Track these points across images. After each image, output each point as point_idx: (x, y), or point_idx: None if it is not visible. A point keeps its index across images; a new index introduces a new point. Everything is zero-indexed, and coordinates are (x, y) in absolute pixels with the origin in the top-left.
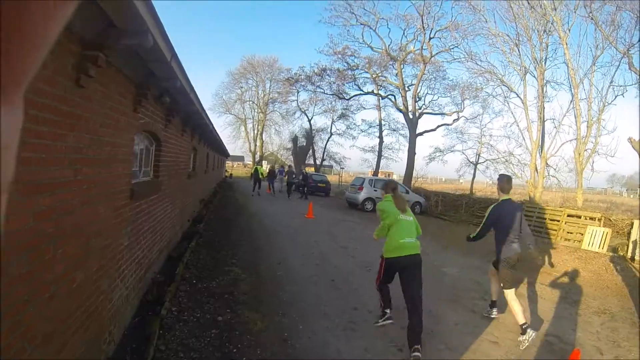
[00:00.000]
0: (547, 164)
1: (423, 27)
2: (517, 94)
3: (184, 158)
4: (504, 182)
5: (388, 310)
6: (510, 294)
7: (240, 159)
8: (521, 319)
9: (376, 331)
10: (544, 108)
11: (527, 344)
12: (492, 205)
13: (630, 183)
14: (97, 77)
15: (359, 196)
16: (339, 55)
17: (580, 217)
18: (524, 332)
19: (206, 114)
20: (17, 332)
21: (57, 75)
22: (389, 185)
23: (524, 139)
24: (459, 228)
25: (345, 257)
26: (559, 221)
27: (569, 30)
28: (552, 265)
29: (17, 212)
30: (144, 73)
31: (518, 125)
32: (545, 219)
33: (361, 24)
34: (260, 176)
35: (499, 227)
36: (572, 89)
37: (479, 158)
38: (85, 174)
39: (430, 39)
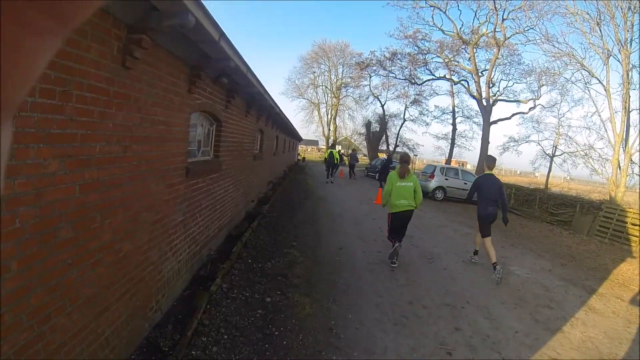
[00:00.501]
0: (631, 160)
1: (495, 8)
2: (598, 80)
3: (248, 139)
4: (491, 161)
5: (397, 243)
6: (487, 241)
7: (314, 143)
8: (493, 259)
9: (427, 330)
10: (629, 97)
11: (499, 276)
12: (478, 176)
13: None
14: (143, 58)
15: (430, 184)
16: (410, 39)
17: None
18: (494, 269)
19: (270, 96)
20: (58, 293)
21: (102, 59)
22: (402, 158)
23: (606, 131)
24: (531, 224)
25: (408, 246)
26: None
27: None
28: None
29: (63, 183)
30: (197, 54)
31: (600, 116)
32: (627, 223)
33: (431, 6)
34: (336, 161)
35: (479, 192)
36: None
37: (555, 150)
38: (135, 151)
39: (503, 20)
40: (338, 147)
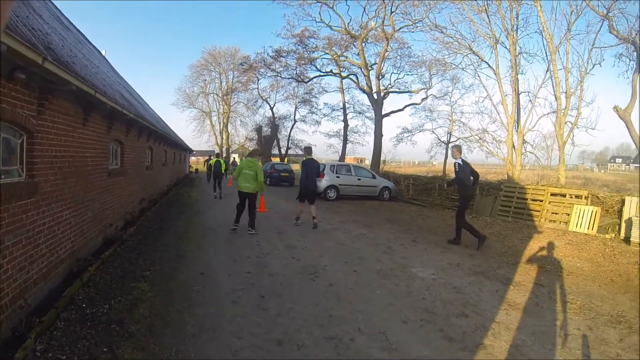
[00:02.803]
0: (524, 140)
1: (383, 1)
2: (488, 64)
3: (93, 153)
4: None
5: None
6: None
7: (209, 153)
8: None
9: None
10: (518, 80)
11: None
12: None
13: (601, 158)
14: None
15: (321, 184)
16: (298, 38)
17: (565, 195)
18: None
19: (109, 96)
20: None
21: None
22: (252, 152)
23: (498, 114)
24: (432, 213)
25: (288, 260)
26: (542, 201)
27: None
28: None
29: None
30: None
31: (491, 99)
32: (527, 199)
33: (318, 2)
34: (223, 171)
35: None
36: (550, 55)
37: (450, 137)
38: None
39: (392, 12)
40: (234, 156)
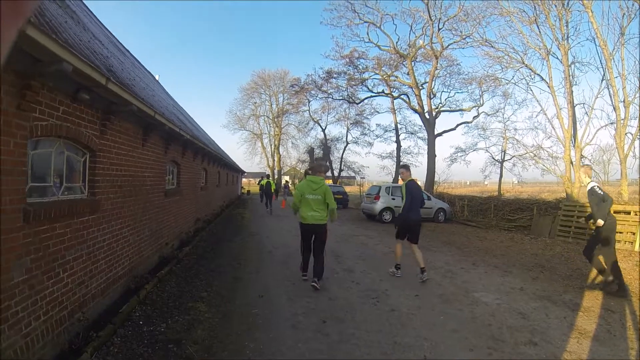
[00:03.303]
0: (582, 155)
1: (430, 19)
2: (541, 77)
3: (152, 173)
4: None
5: (306, 274)
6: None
7: (261, 175)
8: (421, 264)
9: None
10: (572, 92)
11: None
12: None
13: None
14: None
15: (376, 206)
16: (347, 59)
17: (629, 212)
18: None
19: (171, 122)
20: None
21: None
22: (315, 168)
23: (554, 129)
24: (489, 235)
25: (348, 284)
26: None
27: None
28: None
29: None
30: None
31: (545, 114)
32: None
33: (365, 22)
34: (272, 191)
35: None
36: (605, 63)
37: (504, 155)
38: None
39: (439, 29)
40: (285, 178)
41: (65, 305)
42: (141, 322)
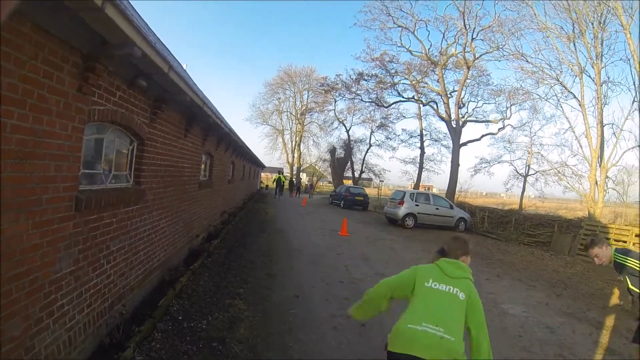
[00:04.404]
0: (607, 175)
1: (465, 27)
2: (573, 95)
3: (189, 164)
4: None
5: None
6: None
7: (279, 170)
8: None
9: None
10: (602, 111)
11: None
12: None
13: None
14: None
15: (400, 211)
16: (377, 62)
17: None
18: None
19: (213, 111)
20: None
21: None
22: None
23: (580, 147)
24: (510, 248)
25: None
26: (625, 242)
27: (632, 16)
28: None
29: None
30: (87, 34)
31: (574, 132)
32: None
33: (399, 27)
34: (283, 184)
35: None
36: (638, 84)
37: (528, 169)
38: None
39: (472, 39)
40: (303, 175)
41: (107, 297)
42: (180, 317)
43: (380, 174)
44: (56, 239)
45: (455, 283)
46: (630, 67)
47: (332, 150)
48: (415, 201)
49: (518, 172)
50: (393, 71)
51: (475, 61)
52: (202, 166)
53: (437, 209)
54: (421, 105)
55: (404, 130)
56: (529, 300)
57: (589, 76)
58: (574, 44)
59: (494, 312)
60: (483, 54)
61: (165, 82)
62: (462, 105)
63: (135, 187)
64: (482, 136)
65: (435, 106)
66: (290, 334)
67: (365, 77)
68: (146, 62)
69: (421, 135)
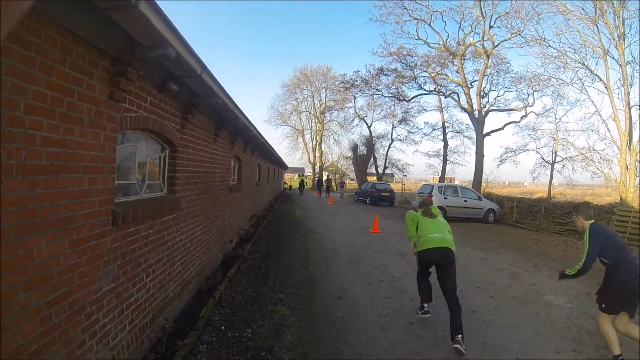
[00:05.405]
0: (637, 159)
1: (482, 15)
2: (599, 78)
3: (220, 169)
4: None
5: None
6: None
7: (300, 170)
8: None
9: None
10: (629, 93)
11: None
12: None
13: None
14: None
15: None
16: (395, 56)
17: None
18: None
19: (243, 113)
20: None
21: None
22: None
23: (608, 131)
24: (543, 238)
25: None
26: None
27: None
28: None
29: None
30: (121, 37)
31: (600, 115)
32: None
33: (415, 19)
34: (304, 184)
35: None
36: None
37: (555, 157)
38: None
39: (490, 27)
40: (325, 174)
41: (148, 311)
42: (223, 328)
43: (404, 168)
44: (94, 257)
45: (436, 216)
46: None
47: (354, 147)
48: (444, 194)
49: (545, 160)
50: (413, 64)
51: (495, 49)
52: (232, 170)
53: (465, 201)
54: (442, 97)
55: (426, 123)
56: (571, 290)
57: (613, 57)
58: (597, 26)
59: (539, 304)
60: (502, 41)
61: (197, 84)
62: (483, 94)
63: (170, 195)
64: (505, 125)
65: (456, 97)
66: (340, 337)
67: (385, 72)
68: (179, 64)
69: (443, 127)
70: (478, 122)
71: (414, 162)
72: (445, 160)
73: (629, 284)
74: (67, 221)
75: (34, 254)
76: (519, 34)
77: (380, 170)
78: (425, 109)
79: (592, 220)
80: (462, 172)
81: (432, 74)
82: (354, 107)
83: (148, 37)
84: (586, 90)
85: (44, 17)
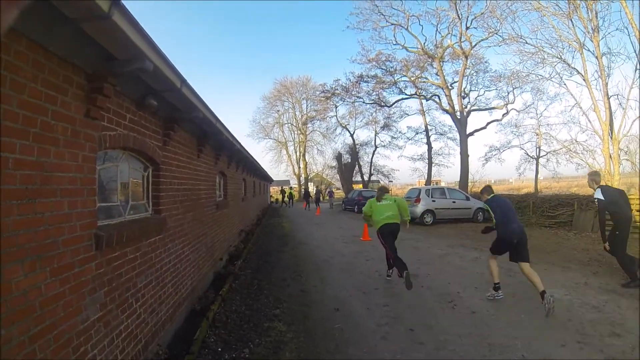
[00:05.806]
0: (619, 147)
1: (458, 17)
2: (577, 71)
3: (205, 185)
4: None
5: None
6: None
7: (286, 183)
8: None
9: None
10: (607, 84)
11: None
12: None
13: None
14: None
15: (417, 209)
16: (374, 63)
17: None
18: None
19: (225, 128)
20: None
21: None
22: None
23: (589, 122)
24: (533, 232)
25: (418, 289)
26: None
27: None
28: None
29: None
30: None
31: (581, 107)
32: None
33: (392, 24)
34: (291, 196)
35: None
36: (638, 50)
37: (539, 151)
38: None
39: (467, 28)
40: (311, 185)
41: (139, 338)
42: (220, 349)
43: (390, 174)
44: (79, 285)
45: (388, 200)
46: (629, 35)
47: (339, 157)
48: (432, 197)
49: (529, 155)
50: (392, 69)
51: (473, 49)
52: (217, 186)
53: (453, 202)
54: (423, 101)
55: (409, 127)
56: (568, 282)
57: (589, 50)
58: (571, 20)
59: (537, 299)
60: (480, 41)
61: (177, 99)
62: (464, 95)
63: (156, 216)
64: (488, 124)
65: (438, 99)
66: (340, 350)
67: (365, 79)
68: (157, 77)
69: (426, 130)
70: (460, 123)
71: (399, 167)
72: (430, 163)
73: (504, 238)
74: (46, 248)
75: (12, 286)
76: (496, 33)
77: (365, 178)
78: (407, 113)
79: (492, 195)
80: (448, 174)
81: (412, 78)
82: (336, 116)
83: (124, 50)
84: (565, 84)
85: (13, 30)
